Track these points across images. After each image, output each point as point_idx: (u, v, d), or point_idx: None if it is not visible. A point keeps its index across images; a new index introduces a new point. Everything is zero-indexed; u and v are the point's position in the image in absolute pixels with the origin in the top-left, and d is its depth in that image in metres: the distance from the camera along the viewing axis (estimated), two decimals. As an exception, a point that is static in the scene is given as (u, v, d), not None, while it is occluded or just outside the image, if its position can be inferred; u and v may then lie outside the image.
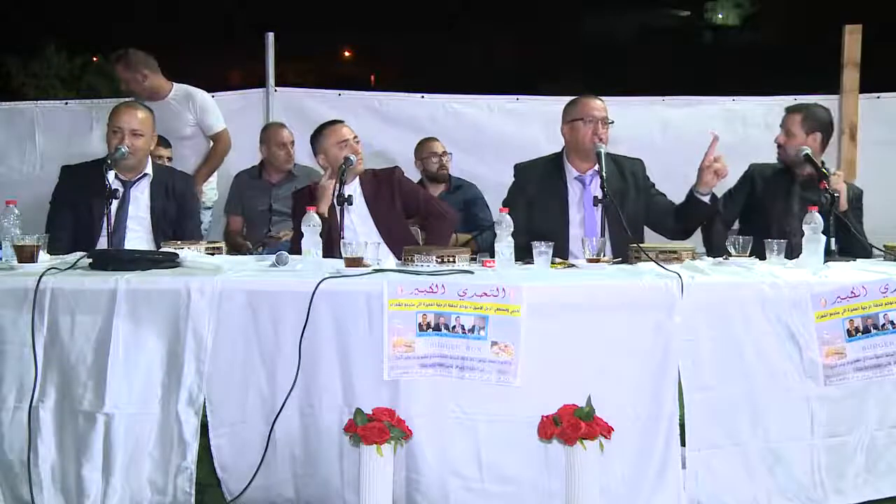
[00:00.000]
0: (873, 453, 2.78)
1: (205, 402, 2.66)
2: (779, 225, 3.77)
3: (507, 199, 3.76)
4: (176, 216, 3.78)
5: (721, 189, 4.01)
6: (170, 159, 4.61)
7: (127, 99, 4.37)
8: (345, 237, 3.43)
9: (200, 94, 4.86)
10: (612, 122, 3.70)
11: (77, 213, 3.63)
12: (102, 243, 3.44)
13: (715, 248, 3.67)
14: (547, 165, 3.81)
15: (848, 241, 3.46)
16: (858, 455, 2.77)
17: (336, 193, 3.49)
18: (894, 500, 2.79)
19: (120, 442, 2.63)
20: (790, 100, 4.78)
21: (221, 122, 4.87)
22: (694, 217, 3.66)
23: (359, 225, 3.77)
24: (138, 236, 3.66)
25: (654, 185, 3.84)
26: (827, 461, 2.74)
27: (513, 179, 3.85)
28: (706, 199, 3.54)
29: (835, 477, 2.75)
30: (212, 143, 4.86)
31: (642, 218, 3.76)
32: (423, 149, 5.04)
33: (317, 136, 3.85)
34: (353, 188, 3.81)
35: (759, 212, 3.88)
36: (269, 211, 4.81)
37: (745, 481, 2.71)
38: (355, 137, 3.80)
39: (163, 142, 4.45)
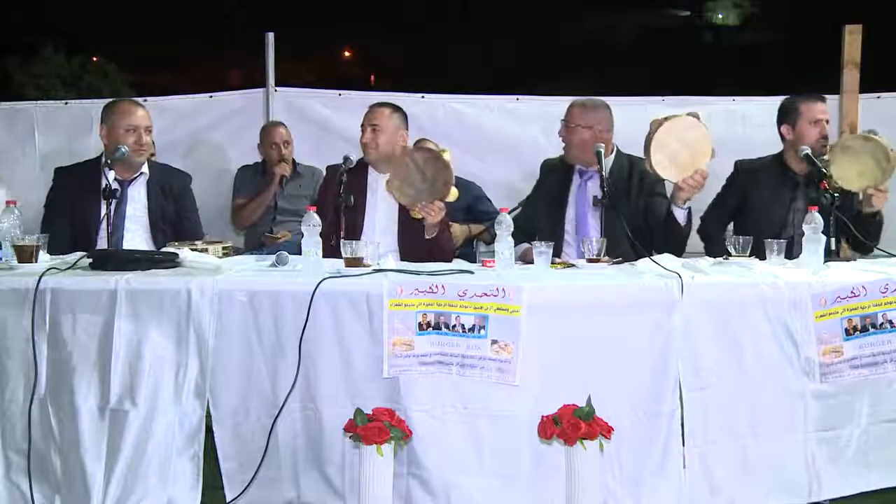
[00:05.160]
0: (865, 446, 2.81)
1: (208, 402, 2.67)
2: (776, 223, 3.68)
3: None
4: (174, 215, 3.75)
5: (711, 192, 3.94)
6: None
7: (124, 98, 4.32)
8: (364, 230, 3.49)
9: None
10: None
11: (73, 213, 3.59)
12: (101, 243, 3.42)
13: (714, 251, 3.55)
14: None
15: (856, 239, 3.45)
16: (850, 448, 2.80)
17: (337, 194, 3.49)
18: (885, 491, 2.82)
19: (123, 440, 2.63)
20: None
21: None
22: (668, 237, 3.49)
23: (379, 220, 3.68)
24: (136, 236, 3.63)
25: (662, 183, 3.64)
26: (820, 455, 2.77)
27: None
28: (683, 214, 3.42)
29: (828, 469, 2.77)
30: None
31: (641, 219, 3.62)
32: None
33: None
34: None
35: (753, 209, 3.75)
36: (274, 209, 4.77)
37: (743, 478, 2.72)
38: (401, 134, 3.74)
39: None
